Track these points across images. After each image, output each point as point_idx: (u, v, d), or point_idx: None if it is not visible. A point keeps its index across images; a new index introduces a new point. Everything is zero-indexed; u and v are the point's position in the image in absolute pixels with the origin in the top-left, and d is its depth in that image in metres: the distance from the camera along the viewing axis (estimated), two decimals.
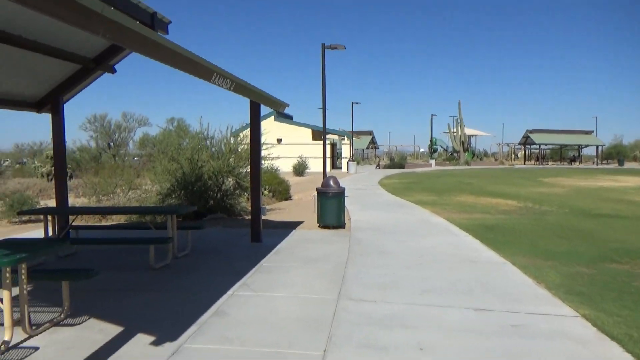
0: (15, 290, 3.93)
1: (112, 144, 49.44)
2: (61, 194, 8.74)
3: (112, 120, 49.16)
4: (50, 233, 7.35)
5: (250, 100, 8.14)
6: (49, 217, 7.29)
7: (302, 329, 4.17)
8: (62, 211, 7.10)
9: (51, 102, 8.59)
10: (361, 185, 22.70)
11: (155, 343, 3.84)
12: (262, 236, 8.42)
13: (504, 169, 46.74)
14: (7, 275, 3.70)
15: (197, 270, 6.37)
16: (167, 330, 4.13)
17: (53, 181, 31.92)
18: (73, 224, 8.48)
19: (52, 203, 16.52)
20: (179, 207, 7.15)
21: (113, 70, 8.95)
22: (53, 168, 33.86)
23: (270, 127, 31.86)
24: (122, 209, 7.06)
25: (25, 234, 9.75)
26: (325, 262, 6.72)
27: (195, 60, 4.41)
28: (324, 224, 9.75)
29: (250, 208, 8.35)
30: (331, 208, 9.62)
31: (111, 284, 5.69)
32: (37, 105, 8.62)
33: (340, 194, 9.68)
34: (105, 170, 19.04)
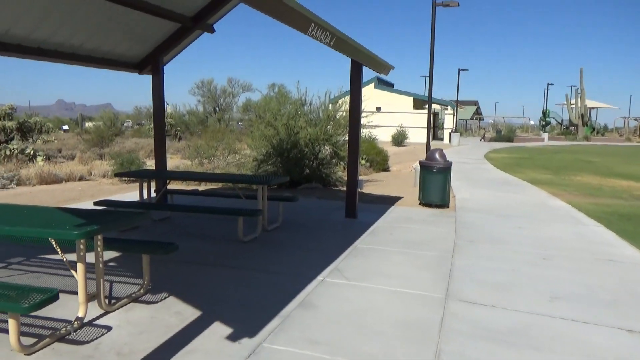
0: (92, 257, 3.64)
1: (217, 108, 51.51)
2: (160, 156, 8.73)
3: (218, 86, 51.01)
4: (145, 195, 7.30)
5: (351, 61, 7.34)
6: (145, 181, 7.22)
7: (403, 338, 3.43)
8: (153, 175, 6.96)
9: (152, 63, 8.48)
10: (465, 159, 21.07)
11: (232, 338, 3.34)
12: (358, 212, 7.74)
13: (633, 146, 41.34)
14: (82, 247, 3.39)
15: (286, 247, 5.87)
16: (247, 321, 3.62)
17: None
18: (169, 187, 8.44)
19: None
20: (270, 177, 6.72)
21: (212, 30, 8.60)
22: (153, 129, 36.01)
23: (370, 95, 30.75)
24: (212, 176, 6.75)
25: (126, 195, 10.01)
26: (429, 249, 5.87)
27: (290, 6, 3.71)
28: (425, 201, 8.82)
29: (346, 179, 7.67)
30: (435, 184, 8.64)
31: (196, 256, 5.37)
32: (138, 66, 8.57)
33: (446, 169, 8.64)
34: (207, 133, 19.49)
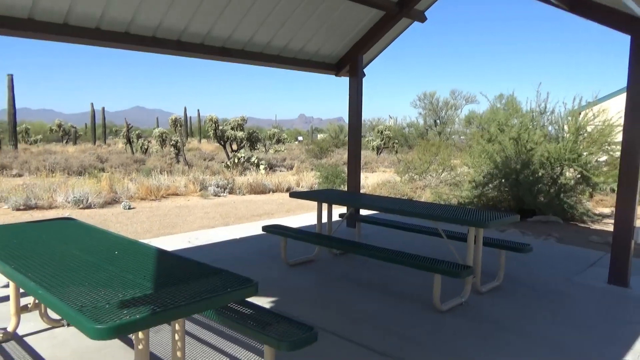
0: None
1: (438, 121, 49.55)
2: (353, 175, 7.35)
3: (440, 98, 49.06)
4: (325, 219, 5.93)
5: (632, 39, 4.64)
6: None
7: None
8: (334, 200, 5.52)
9: (350, 62, 7.17)
10: None
11: None
12: (631, 275, 4.92)
13: None
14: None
15: (510, 332, 3.65)
16: None
17: (380, 155, 33.35)
18: (358, 213, 6.96)
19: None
20: (491, 216, 4.50)
21: (423, 18, 6.85)
22: (382, 142, 35.25)
23: None
24: (409, 209, 4.90)
25: (300, 216, 8.88)
26: None
27: None
28: None
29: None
30: None
31: (364, 330, 3.63)
32: (336, 67, 7.37)
33: None
34: (420, 147, 17.78)
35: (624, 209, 4.82)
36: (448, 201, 10.69)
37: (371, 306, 4.10)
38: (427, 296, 4.25)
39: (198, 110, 58.78)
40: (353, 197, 5.87)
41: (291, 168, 22.01)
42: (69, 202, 9.16)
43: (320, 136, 49.76)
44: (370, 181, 16.57)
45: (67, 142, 41.89)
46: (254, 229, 7.26)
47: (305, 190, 13.20)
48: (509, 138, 9.36)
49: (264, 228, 5.32)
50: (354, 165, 7.30)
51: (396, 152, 36.08)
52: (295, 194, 5.72)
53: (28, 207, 8.92)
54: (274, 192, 13.04)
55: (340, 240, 4.89)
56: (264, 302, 4.11)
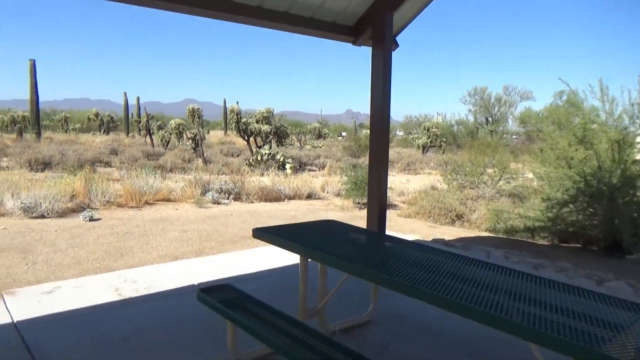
0: None
1: (490, 118, 45.90)
2: (376, 191, 4.93)
3: (492, 94, 45.36)
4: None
5: None
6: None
7: None
8: (325, 252, 3.10)
9: (373, 23, 4.76)
10: None
11: None
12: None
13: None
14: None
15: None
16: None
17: (425, 154, 30.46)
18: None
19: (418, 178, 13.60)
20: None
21: None
22: (428, 140, 32.39)
23: None
24: (473, 314, 2.43)
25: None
26: None
27: None
28: None
29: None
30: None
31: None
32: (353, 30, 4.97)
33: None
34: (473, 147, 15.00)
35: None
36: (510, 224, 8.05)
37: None
38: None
39: (237, 102, 57.47)
40: (364, 252, 3.36)
41: (323, 167, 19.69)
42: (19, 209, 7.24)
43: (364, 132, 47.25)
44: (412, 186, 14.01)
45: (104, 132, 41.40)
46: (228, 264, 5.02)
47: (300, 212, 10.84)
48: (606, 140, 6.63)
49: (199, 295, 3.01)
50: (377, 178, 4.87)
51: (443, 151, 33.09)
52: (260, 232, 3.34)
53: None
54: (290, 199, 10.77)
55: (334, 343, 2.50)
56: None
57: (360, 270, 2.54)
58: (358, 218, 8.90)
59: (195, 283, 4.46)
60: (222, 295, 3.04)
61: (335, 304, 3.60)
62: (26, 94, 23.73)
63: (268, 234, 3.28)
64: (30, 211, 7.20)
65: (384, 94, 4.64)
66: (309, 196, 11.30)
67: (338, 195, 11.86)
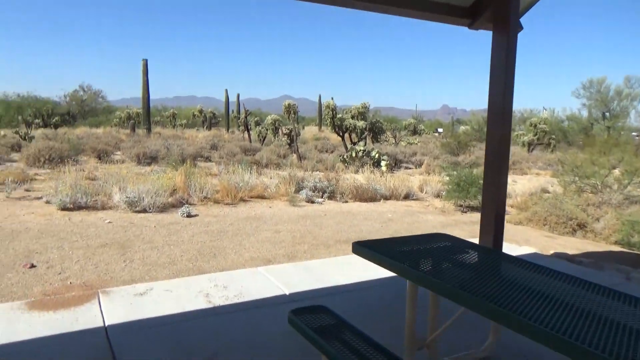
0: None
1: (608, 113, 41.42)
2: (493, 193, 4.26)
3: (611, 86, 40.81)
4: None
5: None
6: None
7: None
8: (431, 277, 2.56)
9: (492, 3, 4.07)
10: None
11: None
12: None
13: None
14: None
15: None
16: None
17: (531, 153, 28.15)
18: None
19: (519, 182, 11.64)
20: None
21: None
22: (535, 137, 29.96)
23: None
24: None
25: None
26: None
27: None
28: None
29: None
30: None
31: None
32: (469, 11, 4.32)
33: None
34: (593, 146, 13.28)
35: None
36: None
37: None
38: None
39: (332, 98, 57.70)
40: (479, 278, 2.76)
41: (420, 165, 18.82)
42: (124, 203, 7.49)
43: (462, 128, 44.99)
44: (520, 188, 12.76)
45: (207, 127, 43.63)
46: (322, 272, 4.63)
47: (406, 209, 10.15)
48: None
49: (291, 319, 2.62)
50: (495, 182, 4.18)
51: (552, 149, 30.35)
52: (361, 248, 2.87)
53: (76, 207, 7.44)
54: (386, 199, 10.21)
55: None
56: None
57: (477, 304, 1.97)
58: (461, 223, 8.13)
59: (287, 293, 4.12)
60: (316, 320, 2.63)
61: (445, 332, 3.04)
62: (139, 92, 25.55)
63: (371, 251, 2.80)
64: (134, 205, 7.41)
65: (506, 84, 3.94)
66: (406, 196, 10.66)
67: (437, 196, 11.09)
